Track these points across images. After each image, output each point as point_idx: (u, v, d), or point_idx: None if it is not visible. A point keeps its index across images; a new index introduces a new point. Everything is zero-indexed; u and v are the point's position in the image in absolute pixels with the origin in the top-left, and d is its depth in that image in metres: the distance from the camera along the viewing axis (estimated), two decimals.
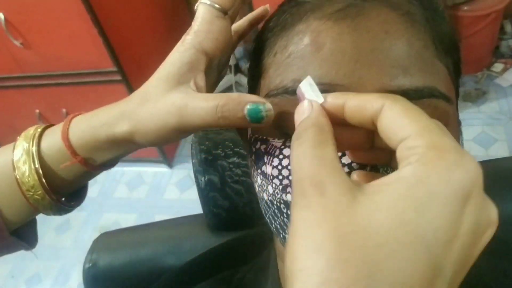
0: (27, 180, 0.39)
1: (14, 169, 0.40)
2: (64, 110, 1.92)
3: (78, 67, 1.73)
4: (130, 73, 1.73)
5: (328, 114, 0.28)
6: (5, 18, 1.59)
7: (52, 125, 0.41)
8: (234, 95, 0.34)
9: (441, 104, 0.34)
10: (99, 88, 1.77)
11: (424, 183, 0.21)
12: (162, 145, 0.45)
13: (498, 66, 2.10)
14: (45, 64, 1.74)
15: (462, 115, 1.55)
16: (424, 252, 0.20)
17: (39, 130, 0.41)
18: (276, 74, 0.37)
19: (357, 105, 0.27)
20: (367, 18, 0.34)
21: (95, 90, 1.78)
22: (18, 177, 0.39)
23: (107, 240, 0.57)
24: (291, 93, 0.35)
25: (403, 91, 0.32)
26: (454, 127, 0.37)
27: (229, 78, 1.99)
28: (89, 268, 0.54)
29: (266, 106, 0.33)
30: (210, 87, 0.41)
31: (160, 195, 2.06)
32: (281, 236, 0.38)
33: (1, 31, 1.62)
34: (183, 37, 0.37)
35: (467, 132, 1.87)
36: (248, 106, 0.33)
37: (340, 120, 0.28)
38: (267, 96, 0.37)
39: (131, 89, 1.74)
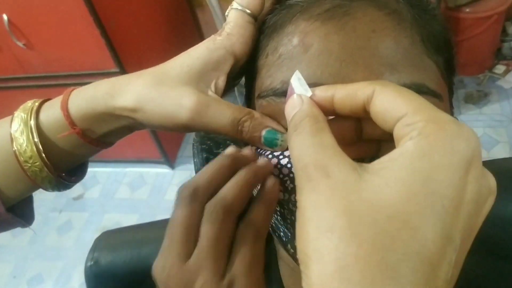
0: (24, 150, 0.39)
1: (12, 141, 0.39)
2: None
3: (80, 68, 1.74)
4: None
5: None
6: (9, 20, 1.60)
7: (50, 99, 0.40)
8: (256, 114, 0.35)
9: (430, 100, 0.34)
10: None
11: (428, 155, 0.22)
12: (161, 131, 0.45)
13: (500, 68, 2.10)
14: (48, 65, 1.75)
15: (464, 117, 1.53)
16: (434, 221, 0.21)
17: (37, 103, 0.40)
18: (267, 76, 0.37)
19: (347, 94, 0.28)
20: (354, 18, 0.35)
21: None
22: (15, 148, 0.39)
23: (109, 238, 0.57)
24: (279, 95, 0.35)
25: None
26: None
27: None
28: (90, 266, 0.55)
29: (283, 137, 0.34)
30: (224, 92, 0.41)
31: (162, 196, 2.07)
32: (276, 234, 0.38)
33: (4, 32, 1.63)
34: (213, 36, 0.37)
35: None
36: (266, 129, 0.34)
37: (329, 112, 0.29)
38: (258, 97, 0.38)
39: None
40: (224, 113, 0.34)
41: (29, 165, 0.39)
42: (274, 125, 0.35)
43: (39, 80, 1.82)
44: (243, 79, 0.43)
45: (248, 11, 0.37)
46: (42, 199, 1.98)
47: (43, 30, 1.64)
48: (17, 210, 0.44)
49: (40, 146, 0.39)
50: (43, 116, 0.39)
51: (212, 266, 0.32)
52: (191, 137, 2.27)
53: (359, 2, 0.35)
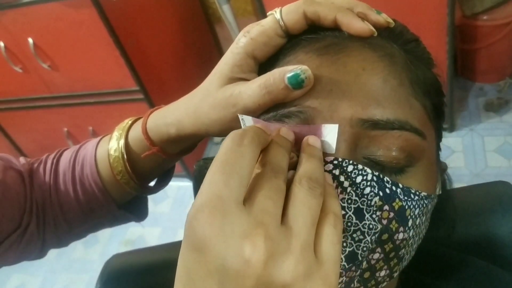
0: (116, 166, 0.49)
1: (108, 157, 0.50)
2: (90, 128, 1.99)
3: (102, 87, 1.80)
4: (152, 91, 1.79)
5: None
6: (34, 43, 1.67)
7: (141, 117, 0.50)
8: (274, 70, 0.37)
9: (412, 137, 0.36)
10: (123, 107, 1.84)
11: None
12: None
13: None
14: (72, 85, 1.82)
15: (484, 126, 1.51)
16: None
17: (130, 122, 0.50)
18: None
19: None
20: (347, 56, 0.37)
21: (119, 109, 1.85)
22: (111, 162, 0.49)
23: (116, 263, 0.60)
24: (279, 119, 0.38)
25: (374, 120, 0.35)
26: (429, 164, 0.39)
27: None
28: None
29: (303, 68, 0.35)
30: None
31: (183, 209, 2.10)
32: None
33: (30, 55, 1.71)
34: (238, 36, 0.40)
35: (490, 143, 1.84)
36: (287, 75, 0.36)
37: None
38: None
39: (153, 106, 1.78)
40: (249, 87, 0.38)
41: (120, 177, 0.50)
42: (290, 67, 0.36)
43: (64, 99, 1.89)
44: None
45: (284, 26, 0.39)
46: None
47: (66, 52, 1.71)
48: (131, 207, 0.55)
49: (127, 164, 0.49)
50: (131, 135, 0.49)
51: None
52: (211, 150, 2.30)
53: (356, 43, 0.38)
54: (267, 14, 0.40)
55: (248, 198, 0.29)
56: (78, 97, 1.86)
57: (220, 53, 2.28)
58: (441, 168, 0.46)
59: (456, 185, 0.51)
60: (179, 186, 2.20)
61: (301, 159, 0.33)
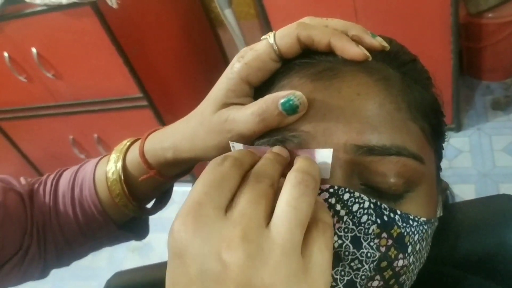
0: (113, 189, 0.49)
1: (106, 179, 0.49)
2: (95, 135, 2.00)
3: (106, 94, 1.80)
4: (156, 98, 1.79)
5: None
6: (38, 52, 1.68)
7: (138, 139, 0.50)
8: (266, 97, 0.37)
9: (410, 162, 0.35)
10: (127, 114, 1.84)
11: None
12: None
13: None
14: (76, 93, 1.83)
15: (491, 125, 1.50)
16: None
17: (128, 144, 0.50)
18: None
19: None
20: (341, 81, 0.37)
21: (124, 116, 1.85)
22: (108, 185, 0.49)
23: (118, 283, 0.60)
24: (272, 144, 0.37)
25: (370, 146, 0.34)
26: (429, 187, 0.38)
27: None
28: None
29: (297, 94, 0.35)
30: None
31: None
32: None
33: (34, 64, 1.72)
34: (233, 61, 0.40)
35: (497, 142, 1.82)
36: (281, 101, 0.35)
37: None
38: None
39: (157, 113, 1.80)
40: (242, 114, 0.37)
41: (118, 200, 0.50)
42: (284, 92, 0.35)
43: (69, 108, 1.90)
44: None
45: (277, 50, 0.38)
46: None
47: (70, 61, 1.71)
48: (131, 226, 0.55)
49: (125, 187, 0.49)
50: (128, 158, 0.49)
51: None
52: None
53: (351, 68, 0.37)
54: (261, 38, 0.39)
55: (229, 206, 0.28)
56: (83, 105, 1.87)
57: (224, 57, 2.28)
58: (442, 188, 0.45)
59: (464, 186, 0.50)
60: (184, 191, 2.19)
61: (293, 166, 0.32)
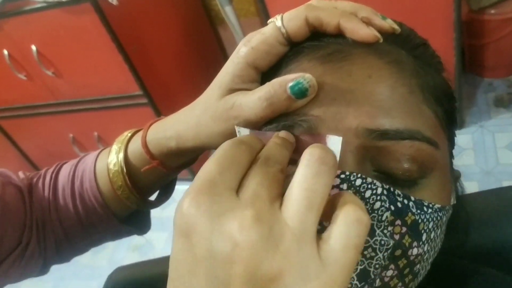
0: (115, 181, 0.47)
1: (108, 171, 0.48)
2: (95, 133, 1.98)
3: (106, 92, 1.79)
4: (156, 95, 1.78)
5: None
6: (37, 50, 1.67)
7: (141, 129, 0.48)
8: (273, 80, 0.35)
9: (424, 147, 0.34)
10: (127, 111, 1.83)
11: None
12: None
13: None
14: (76, 91, 1.82)
15: (494, 122, 1.48)
16: None
17: (129, 135, 0.49)
18: None
19: None
20: (351, 63, 0.35)
21: (124, 113, 1.84)
22: (110, 177, 0.48)
23: (119, 276, 0.59)
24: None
25: (382, 130, 0.33)
26: (443, 174, 0.37)
27: None
28: None
29: (306, 76, 0.33)
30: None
31: None
32: None
33: (34, 62, 1.70)
34: (239, 46, 0.38)
35: (500, 139, 1.80)
36: (289, 85, 0.34)
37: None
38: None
39: (157, 110, 1.79)
40: (250, 99, 0.36)
41: (120, 192, 0.48)
42: (292, 76, 0.34)
43: (69, 106, 1.89)
44: None
45: (286, 33, 0.37)
46: None
47: (70, 58, 1.70)
48: (133, 221, 0.54)
49: (127, 179, 0.47)
50: (130, 149, 0.47)
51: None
52: None
53: (361, 50, 0.36)
54: (268, 22, 0.38)
55: (239, 188, 0.27)
56: (83, 103, 1.86)
57: (224, 54, 2.27)
58: (455, 176, 0.44)
59: (467, 183, 0.49)
60: (185, 190, 2.19)
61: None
